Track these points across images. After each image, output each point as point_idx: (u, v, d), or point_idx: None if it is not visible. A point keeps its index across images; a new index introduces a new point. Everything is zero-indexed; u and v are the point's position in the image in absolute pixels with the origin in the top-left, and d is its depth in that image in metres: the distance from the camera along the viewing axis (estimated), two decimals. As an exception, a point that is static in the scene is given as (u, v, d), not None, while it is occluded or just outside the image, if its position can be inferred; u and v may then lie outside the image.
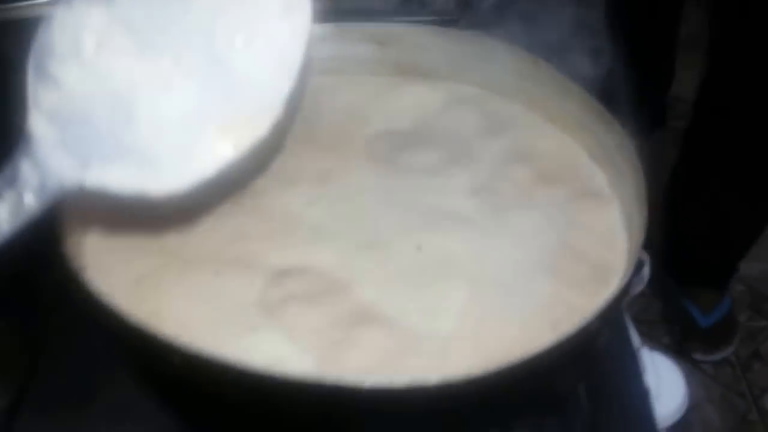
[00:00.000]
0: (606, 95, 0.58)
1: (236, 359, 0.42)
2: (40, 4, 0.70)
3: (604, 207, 0.59)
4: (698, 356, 1.54)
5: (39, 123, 0.39)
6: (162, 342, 0.43)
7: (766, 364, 1.57)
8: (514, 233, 0.57)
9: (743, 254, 1.49)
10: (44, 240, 0.71)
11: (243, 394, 0.44)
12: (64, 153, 0.39)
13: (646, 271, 0.73)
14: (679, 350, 1.51)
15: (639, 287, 0.72)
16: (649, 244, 0.48)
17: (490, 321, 0.51)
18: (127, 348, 0.50)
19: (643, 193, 0.53)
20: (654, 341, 1.54)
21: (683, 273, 1.51)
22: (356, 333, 0.50)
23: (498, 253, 0.56)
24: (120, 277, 0.52)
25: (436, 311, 0.52)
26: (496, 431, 0.50)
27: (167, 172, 0.40)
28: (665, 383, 0.64)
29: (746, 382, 1.54)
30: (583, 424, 0.59)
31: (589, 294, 0.51)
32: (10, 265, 0.69)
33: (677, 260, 1.47)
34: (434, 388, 0.41)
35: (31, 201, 0.39)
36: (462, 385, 0.42)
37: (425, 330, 0.51)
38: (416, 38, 0.69)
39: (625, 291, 0.47)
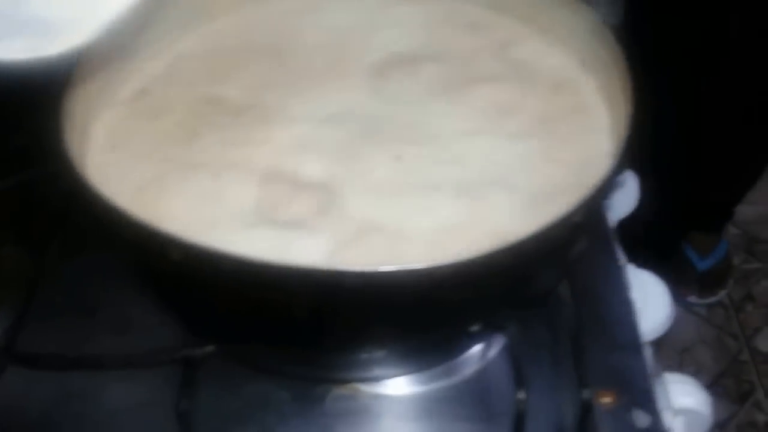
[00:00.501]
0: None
1: (234, 251, 0.43)
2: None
3: (592, 113, 0.61)
4: (693, 299, 1.56)
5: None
6: (162, 237, 0.45)
7: (759, 305, 1.59)
8: (500, 136, 0.59)
9: (743, 196, 1.50)
10: (43, 155, 0.73)
11: (241, 285, 0.45)
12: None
13: (634, 186, 0.75)
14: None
15: (628, 207, 0.74)
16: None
17: (476, 216, 0.53)
18: (129, 248, 0.51)
19: (628, 95, 0.54)
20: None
21: (683, 215, 1.51)
22: (347, 234, 0.53)
23: (485, 156, 0.58)
24: (122, 185, 0.54)
25: (422, 212, 0.54)
26: (480, 324, 0.52)
27: (62, 33, 0.41)
28: (650, 299, 0.66)
29: (738, 323, 1.56)
30: (566, 320, 0.61)
31: (573, 194, 0.53)
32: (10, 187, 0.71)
33: (677, 203, 1.46)
34: (422, 273, 0.43)
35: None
36: (447, 271, 0.43)
37: (414, 229, 0.53)
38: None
39: (606, 185, 0.48)
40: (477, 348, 0.62)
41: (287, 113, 0.62)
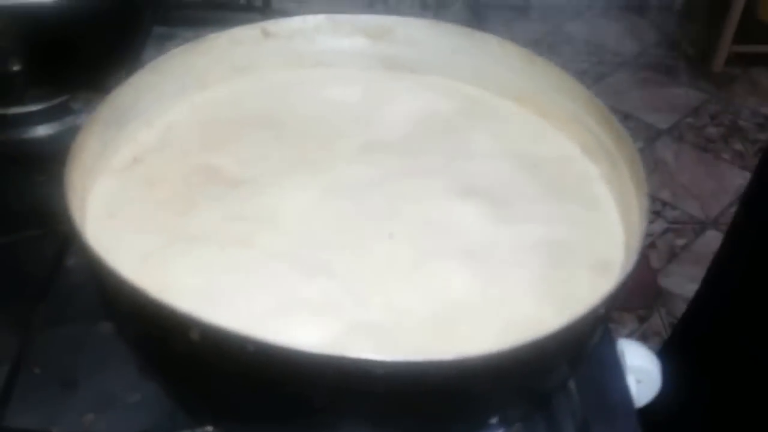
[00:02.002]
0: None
1: (254, 335, 0.43)
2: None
3: (599, 202, 0.62)
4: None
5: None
6: (181, 316, 0.45)
7: None
8: (509, 227, 0.60)
9: None
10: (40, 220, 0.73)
11: (255, 368, 0.45)
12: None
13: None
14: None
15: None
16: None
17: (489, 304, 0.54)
18: (137, 324, 0.51)
19: (642, 186, 0.55)
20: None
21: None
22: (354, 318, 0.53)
23: (494, 245, 0.59)
24: (123, 254, 0.54)
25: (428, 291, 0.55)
26: (497, 417, 0.52)
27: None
28: (643, 374, 0.68)
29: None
30: (570, 411, 0.62)
31: (588, 285, 0.54)
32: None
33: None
34: (446, 365, 0.43)
35: None
36: (480, 363, 0.44)
37: (423, 310, 0.53)
38: (407, 31, 0.71)
39: (626, 282, 0.49)
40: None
41: (283, 187, 0.63)
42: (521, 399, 0.53)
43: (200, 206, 0.61)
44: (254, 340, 0.43)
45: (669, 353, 1.22)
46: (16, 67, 0.87)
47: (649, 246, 2.08)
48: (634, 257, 0.50)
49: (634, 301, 1.94)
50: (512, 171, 0.65)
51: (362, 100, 0.72)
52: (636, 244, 0.52)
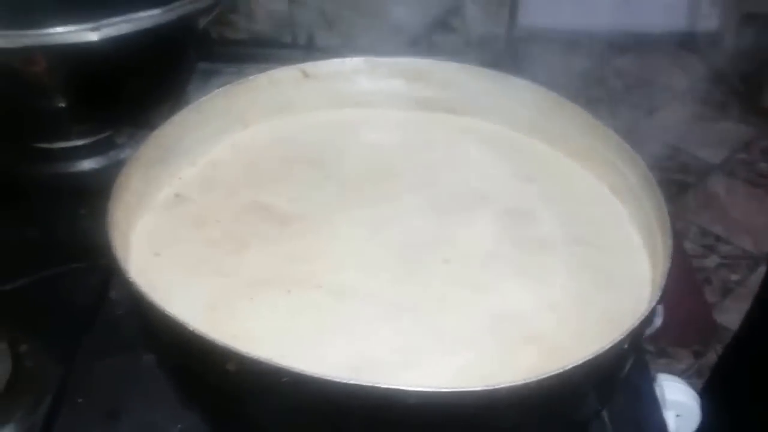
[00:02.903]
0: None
1: (293, 366, 0.47)
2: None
3: (627, 241, 0.66)
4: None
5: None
6: (219, 348, 0.49)
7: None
8: (540, 269, 0.64)
9: None
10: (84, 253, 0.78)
11: (294, 399, 0.49)
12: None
13: (658, 321, 0.79)
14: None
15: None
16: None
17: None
18: (178, 357, 0.55)
19: (666, 225, 0.59)
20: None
21: None
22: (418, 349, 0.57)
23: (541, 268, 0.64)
24: (182, 299, 0.57)
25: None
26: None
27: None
28: (682, 407, 0.71)
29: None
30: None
31: (614, 320, 0.58)
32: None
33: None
34: (474, 396, 0.47)
35: None
36: (497, 395, 0.47)
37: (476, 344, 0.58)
38: (443, 74, 0.76)
39: (650, 317, 0.53)
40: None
41: (335, 223, 0.67)
42: (553, 429, 0.57)
43: (253, 246, 0.65)
44: (289, 371, 0.47)
45: (711, 389, 1.24)
46: (62, 104, 0.93)
47: (704, 281, 2.09)
48: (657, 293, 0.54)
49: (689, 336, 1.95)
50: (541, 204, 0.70)
51: (402, 140, 0.77)
52: (659, 280, 0.55)
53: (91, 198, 0.90)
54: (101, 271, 0.81)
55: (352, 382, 0.47)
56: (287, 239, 0.65)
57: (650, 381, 0.71)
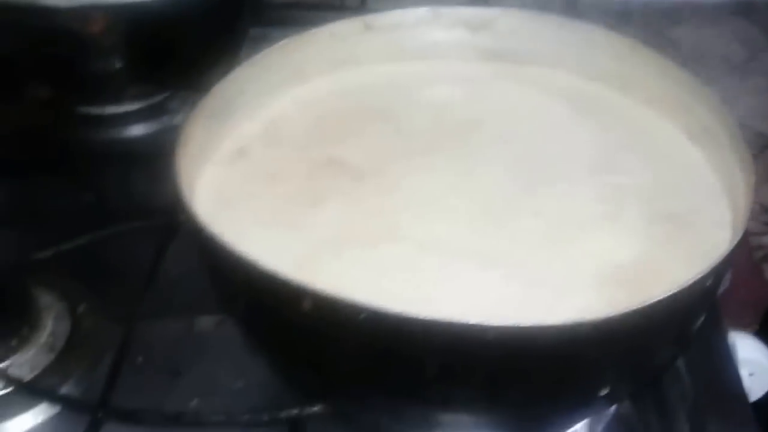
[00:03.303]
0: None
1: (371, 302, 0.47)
2: None
3: (706, 185, 0.65)
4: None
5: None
6: (293, 286, 0.49)
7: None
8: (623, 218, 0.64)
9: None
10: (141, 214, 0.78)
11: (368, 336, 0.49)
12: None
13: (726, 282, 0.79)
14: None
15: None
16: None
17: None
18: (249, 299, 0.55)
19: (747, 164, 0.58)
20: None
21: None
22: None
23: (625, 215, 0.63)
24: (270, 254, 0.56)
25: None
26: (609, 389, 0.55)
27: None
28: (755, 365, 0.70)
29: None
30: (684, 401, 0.65)
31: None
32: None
33: None
34: (555, 330, 0.47)
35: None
36: (578, 330, 0.47)
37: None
38: (509, 22, 0.76)
39: (730, 256, 0.52)
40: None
41: (412, 177, 0.66)
42: (630, 372, 0.56)
43: (331, 201, 0.64)
44: (367, 307, 0.47)
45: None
46: (116, 66, 0.93)
47: (762, 259, 2.06)
48: (739, 233, 0.53)
49: (747, 316, 1.93)
50: (620, 154, 0.69)
51: (470, 92, 0.76)
52: (741, 219, 0.55)
53: (144, 163, 0.92)
54: (159, 231, 0.81)
55: (432, 318, 0.47)
56: (366, 194, 0.64)
57: (724, 335, 0.70)
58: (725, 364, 0.69)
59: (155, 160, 0.93)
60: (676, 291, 0.48)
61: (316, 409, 0.60)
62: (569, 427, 0.65)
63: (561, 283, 0.57)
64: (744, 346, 0.71)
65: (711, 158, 0.67)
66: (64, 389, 0.71)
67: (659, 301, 0.48)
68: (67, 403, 0.68)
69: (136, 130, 1.00)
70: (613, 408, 0.65)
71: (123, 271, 0.81)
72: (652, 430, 0.67)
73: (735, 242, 0.53)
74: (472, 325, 0.46)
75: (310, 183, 0.66)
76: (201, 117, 0.65)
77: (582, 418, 0.64)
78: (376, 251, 0.59)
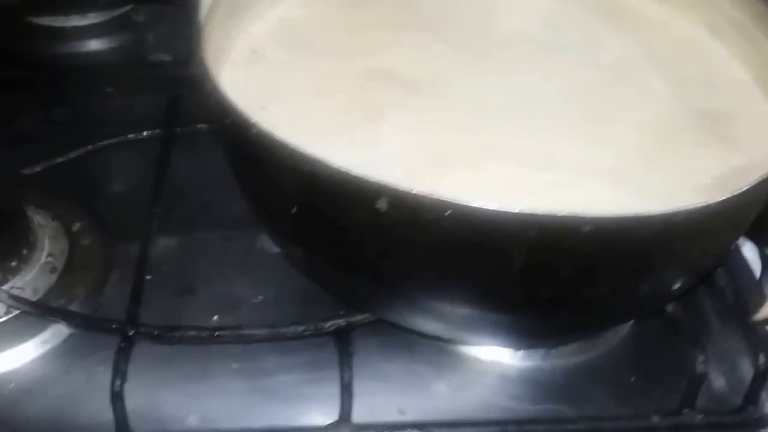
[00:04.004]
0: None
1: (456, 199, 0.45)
2: None
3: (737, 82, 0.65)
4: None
5: None
6: (370, 184, 0.46)
7: None
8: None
9: None
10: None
11: (453, 235, 0.46)
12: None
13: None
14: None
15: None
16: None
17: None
18: (308, 199, 0.51)
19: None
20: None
21: None
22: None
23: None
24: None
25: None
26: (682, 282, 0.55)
27: None
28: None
29: None
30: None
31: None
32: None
33: None
34: (654, 220, 0.45)
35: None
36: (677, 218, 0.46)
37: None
38: None
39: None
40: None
41: (473, 89, 0.63)
42: (701, 264, 0.56)
43: (389, 118, 0.60)
44: (453, 204, 0.45)
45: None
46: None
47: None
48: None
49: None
50: (647, 62, 0.68)
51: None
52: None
53: (115, 76, 0.88)
54: (154, 143, 0.78)
55: (524, 211, 0.44)
56: (431, 109, 0.61)
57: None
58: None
59: (126, 73, 0.91)
60: (760, 180, 0.48)
61: (361, 317, 0.58)
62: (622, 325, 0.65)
63: (672, 191, 0.56)
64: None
65: (739, 53, 0.66)
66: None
67: (750, 189, 0.47)
68: (90, 324, 0.64)
69: (101, 43, 0.96)
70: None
71: (120, 185, 0.78)
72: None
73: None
74: (567, 217, 0.45)
75: (363, 98, 0.61)
76: (217, 15, 0.61)
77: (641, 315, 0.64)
78: (479, 171, 0.56)
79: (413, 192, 0.45)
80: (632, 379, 0.64)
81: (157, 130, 0.78)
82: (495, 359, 0.65)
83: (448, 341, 0.64)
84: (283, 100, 0.61)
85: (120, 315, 0.63)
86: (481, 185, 0.54)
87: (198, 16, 0.60)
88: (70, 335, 0.65)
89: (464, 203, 0.45)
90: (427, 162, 0.56)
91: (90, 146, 0.78)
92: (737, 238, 0.59)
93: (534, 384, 0.64)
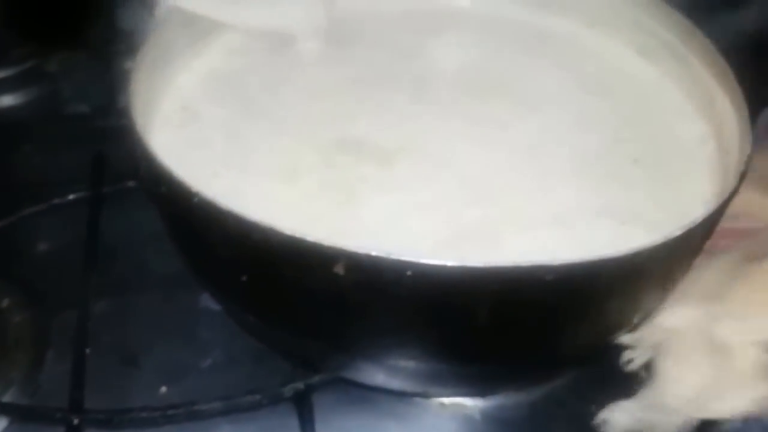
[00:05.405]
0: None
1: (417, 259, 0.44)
2: None
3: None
4: None
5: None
6: (325, 249, 0.45)
7: None
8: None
9: None
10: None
11: (414, 293, 0.46)
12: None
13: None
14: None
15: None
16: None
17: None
18: (260, 267, 0.50)
19: (726, 72, 0.60)
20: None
21: None
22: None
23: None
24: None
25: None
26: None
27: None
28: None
29: None
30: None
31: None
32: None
33: None
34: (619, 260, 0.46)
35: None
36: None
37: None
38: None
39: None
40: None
41: (447, 152, 0.62)
42: (659, 297, 0.57)
43: (365, 200, 0.58)
44: (412, 263, 0.44)
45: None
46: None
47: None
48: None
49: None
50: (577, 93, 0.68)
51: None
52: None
53: (31, 132, 0.85)
54: (81, 205, 0.76)
55: (485, 265, 0.44)
56: (404, 183, 0.59)
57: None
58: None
59: (43, 129, 0.88)
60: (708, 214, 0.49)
61: (320, 377, 0.57)
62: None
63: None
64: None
65: (667, 73, 0.68)
66: (7, 398, 0.63)
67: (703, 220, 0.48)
68: (31, 415, 0.61)
69: (15, 98, 0.93)
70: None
71: (42, 256, 0.75)
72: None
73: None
74: (533, 267, 0.44)
75: (333, 176, 0.59)
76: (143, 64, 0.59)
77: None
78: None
79: (372, 254, 0.45)
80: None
81: (83, 193, 0.75)
82: (458, 401, 0.64)
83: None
84: (226, 176, 0.58)
85: (61, 396, 0.61)
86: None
87: (119, 61, 0.58)
88: (10, 425, 0.62)
89: (423, 261, 0.44)
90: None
91: (13, 216, 0.75)
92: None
93: (499, 423, 0.64)
